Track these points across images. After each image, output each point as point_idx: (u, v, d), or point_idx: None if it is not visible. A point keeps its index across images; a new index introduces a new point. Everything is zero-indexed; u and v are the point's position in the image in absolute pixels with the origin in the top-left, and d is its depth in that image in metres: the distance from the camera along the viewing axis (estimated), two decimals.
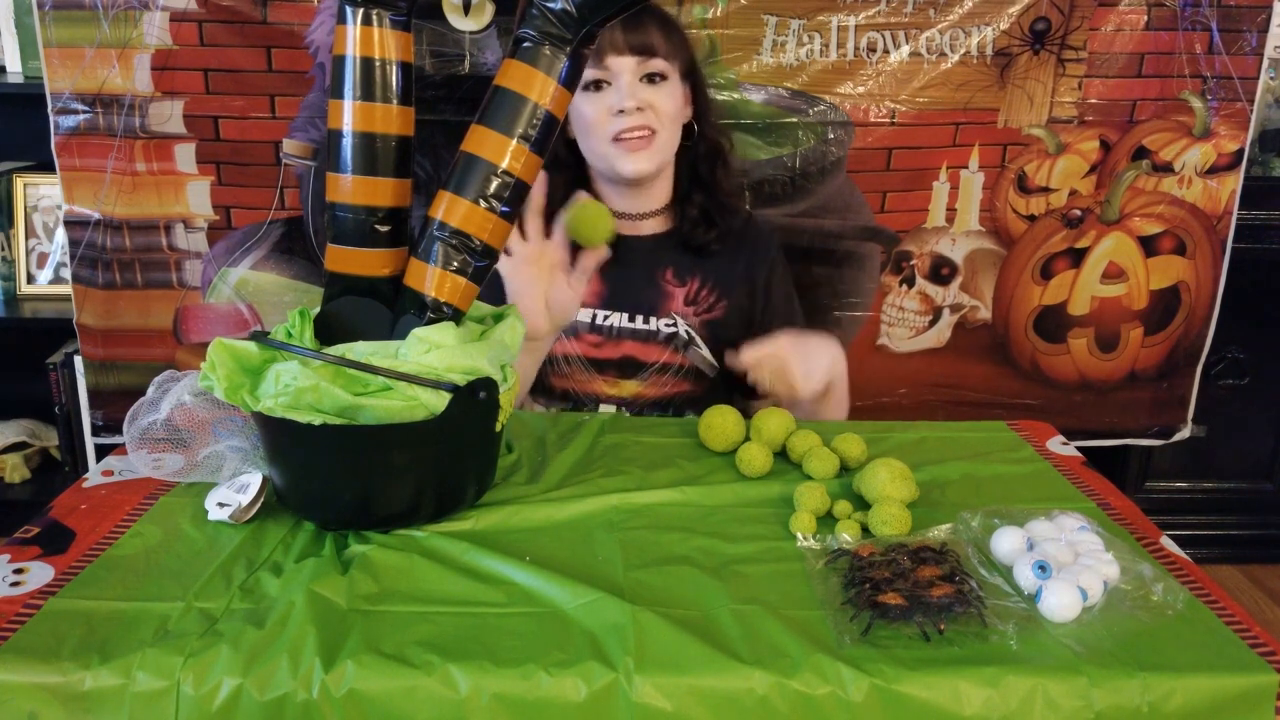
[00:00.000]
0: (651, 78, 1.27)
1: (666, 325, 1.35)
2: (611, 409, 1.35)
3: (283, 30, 1.65)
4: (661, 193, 1.38)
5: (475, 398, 0.89)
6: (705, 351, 1.37)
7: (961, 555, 0.85)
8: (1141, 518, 0.98)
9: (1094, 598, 0.80)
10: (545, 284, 1.20)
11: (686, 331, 1.35)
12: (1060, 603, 0.79)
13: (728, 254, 1.39)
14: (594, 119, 1.27)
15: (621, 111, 1.25)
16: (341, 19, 0.90)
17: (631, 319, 1.35)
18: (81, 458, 2.00)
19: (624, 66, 1.25)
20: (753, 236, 1.43)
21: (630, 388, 1.36)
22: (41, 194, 2.10)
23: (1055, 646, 0.76)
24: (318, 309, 0.96)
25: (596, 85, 1.27)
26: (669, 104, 1.29)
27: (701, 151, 1.37)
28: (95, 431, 1.87)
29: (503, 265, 1.19)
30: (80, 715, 0.71)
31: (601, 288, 1.34)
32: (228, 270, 1.78)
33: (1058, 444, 1.15)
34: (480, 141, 0.92)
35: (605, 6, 0.91)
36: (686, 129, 1.35)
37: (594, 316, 1.34)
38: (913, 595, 0.78)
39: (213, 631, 0.75)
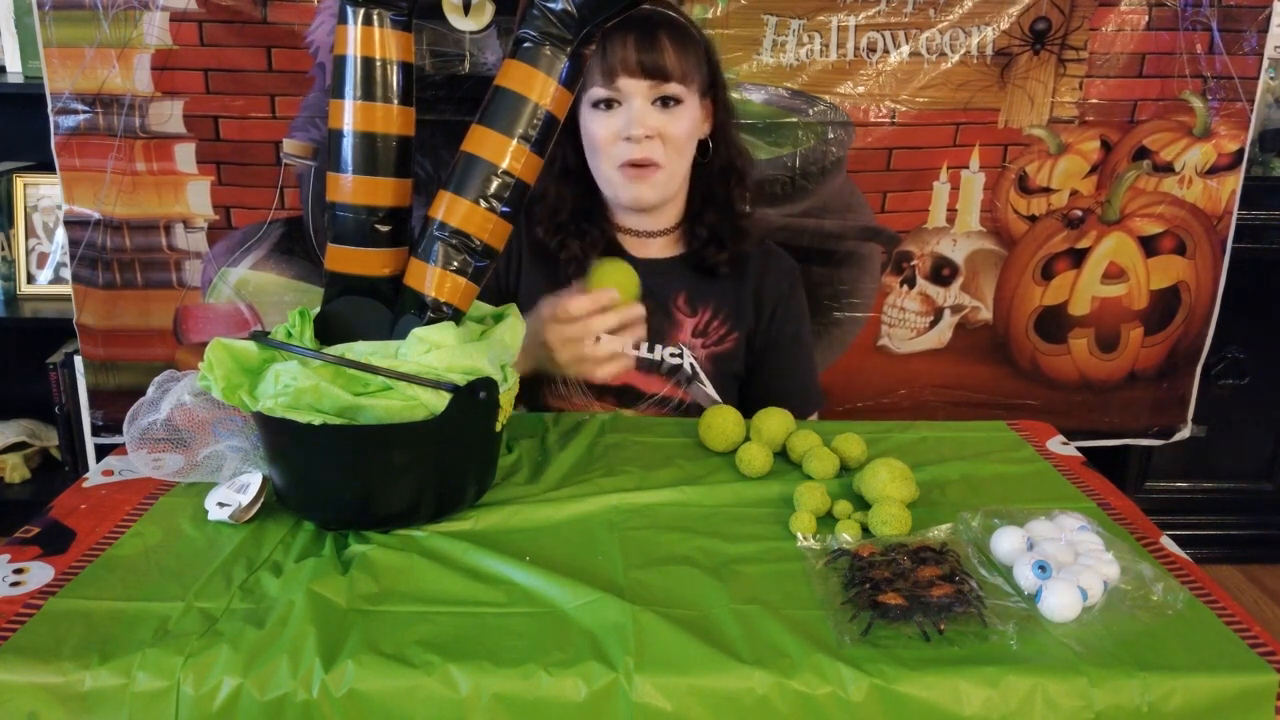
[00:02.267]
0: (665, 101, 1.22)
1: (672, 355, 1.31)
2: None
3: (283, 30, 1.65)
4: (673, 211, 1.33)
5: (475, 398, 0.89)
6: (709, 389, 1.32)
7: (961, 555, 0.85)
8: (1141, 518, 0.98)
9: (1094, 598, 0.80)
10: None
11: (691, 366, 1.31)
12: (1060, 602, 0.79)
13: (743, 284, 1.34)
14: (602, 139, 1.23)
15: (629, 138, 1.21)
16: (343, 19, 0.90)
17: (636, 345, 1.30)
18: (81, 458, 2.00)
19: (635, 89, 1.20)
20: (773, 267, 1.38)
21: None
22: (41, 194, 2.10)
23: (1055, 646, 0.76)
24: (318, 309, 0.96)
25: (607, 104, 1.22)
26: (681, 129, 1.23)
27: (716, 169, 1.31)
28: (95, 431, 1.87)
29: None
30: (80, 715, 0.71)
31: None
32: (228, 270, 1.78)
33: (1058, 444, 1.15)
34: (480, 141, 0.92)
35: (606, 6, 0.91)
36: (701, 145, 1.30)
37: (597, 339, 1.28)
38: (913, 595, 0.78)
39: (213, 631, 0.75)
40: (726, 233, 1.32)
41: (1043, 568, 0.81)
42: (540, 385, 1.30)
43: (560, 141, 1.27)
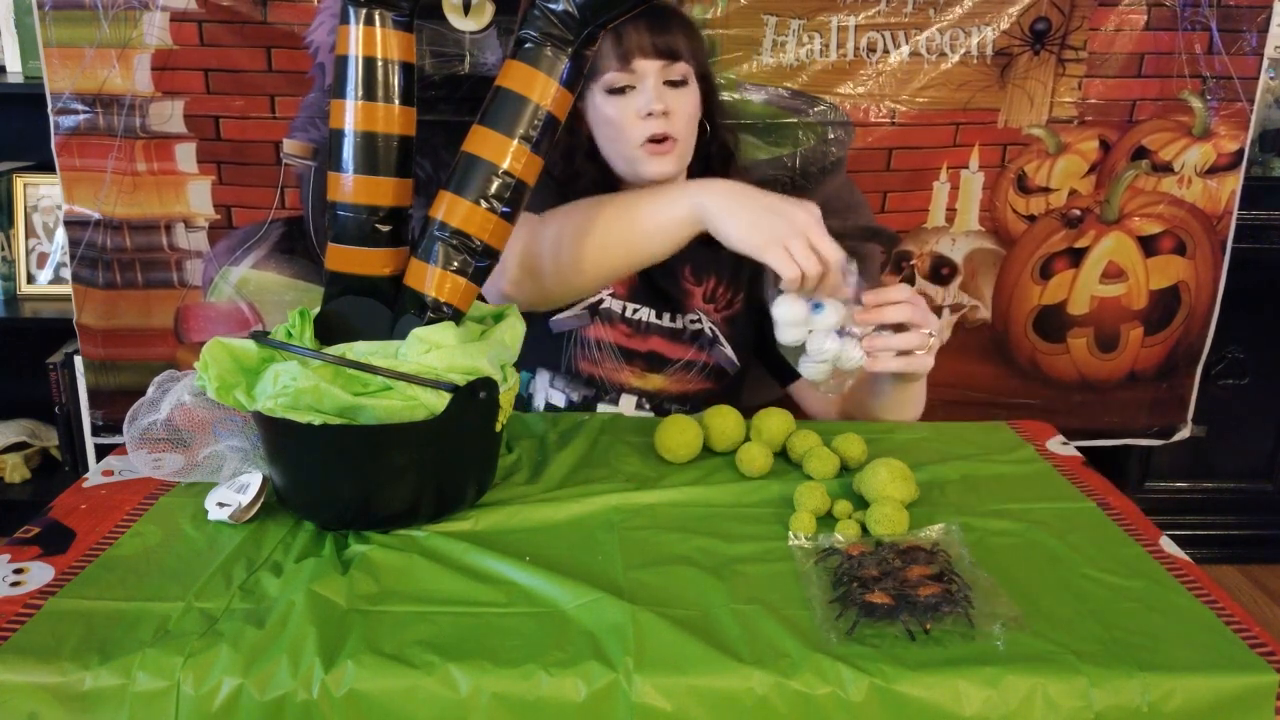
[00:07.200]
0: (674, 83, 1.27)
1: (693, 323, 1.37)
2: (633, 399, 1.36)
3: (283, 30, 1.65)
4: None
5: (475, 398, 0.89)
6: (728, 350, 1.38)
7: (953, 556, 0.85)
8: (1141, 518, 0.98)
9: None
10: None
11: (710, 330, 1.37)
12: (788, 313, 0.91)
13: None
14: (621, 122, 1.27)
15: (650, 114, 1.25)
16: (344, 19, 0.90)
17: (659, 315, 1.36)
18: (81, 458, 2.00)
19: (649, 70, 1.25)
20: None
21: (655, 381, 1.37)
22: (41, 194, 2.10)
23: (1051, 647, 0.75)
24: (318, 309, 0.96)
25: (621, 90, 1.26)
26: (689, 107, 1.29)
27: (714, 151, 1.37)
28: (95, 431, 1.88)
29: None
30: (80, 715, 0.71)
31: (632, 280, 1.35)
32: (229, 269, 1.78)
33: (1058, 444, 1.15)
34: (481, 142, 0.92)
35: (607, 7, 0.91)
36: (700, 127, 1.35)
37: (624, 308, 1.35)
38: (900, 594, 0.78)
39: (213, 631, 0.75)
40: None
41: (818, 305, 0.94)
42: (574, 347, 1.34)
43: (571, 144, 1.33)
